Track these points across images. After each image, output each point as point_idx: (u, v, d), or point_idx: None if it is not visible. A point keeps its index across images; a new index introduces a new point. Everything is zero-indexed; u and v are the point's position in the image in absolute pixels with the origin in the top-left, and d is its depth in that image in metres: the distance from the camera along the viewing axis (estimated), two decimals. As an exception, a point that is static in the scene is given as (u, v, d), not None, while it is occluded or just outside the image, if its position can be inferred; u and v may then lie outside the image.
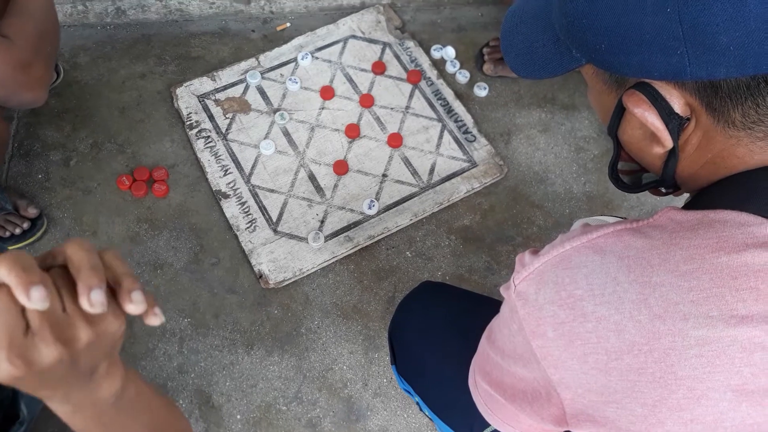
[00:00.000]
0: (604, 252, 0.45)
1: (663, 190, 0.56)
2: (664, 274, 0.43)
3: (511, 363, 0.52)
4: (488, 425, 0.64)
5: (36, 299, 0.36)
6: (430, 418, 0.81)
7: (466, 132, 1.30)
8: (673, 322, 0.42)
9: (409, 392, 0.83)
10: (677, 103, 0.45)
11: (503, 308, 0.54)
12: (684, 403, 0.42)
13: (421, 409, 0.83)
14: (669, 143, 0.47)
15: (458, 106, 1.33)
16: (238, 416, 1.06)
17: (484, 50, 1.37)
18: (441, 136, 1.29)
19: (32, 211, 1.16)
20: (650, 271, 0.43)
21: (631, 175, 0.60)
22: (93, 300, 0.38)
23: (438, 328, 0.78)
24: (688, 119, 0.46)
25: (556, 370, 0.46)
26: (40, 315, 0.39)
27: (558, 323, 0.46)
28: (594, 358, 0.44)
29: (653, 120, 0.46)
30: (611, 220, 0.72)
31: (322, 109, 1.31)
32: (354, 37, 1.40)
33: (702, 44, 0.41)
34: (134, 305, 0.41)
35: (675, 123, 0.46)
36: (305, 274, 1.16)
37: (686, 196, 0.56)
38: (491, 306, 0.68)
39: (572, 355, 0.45)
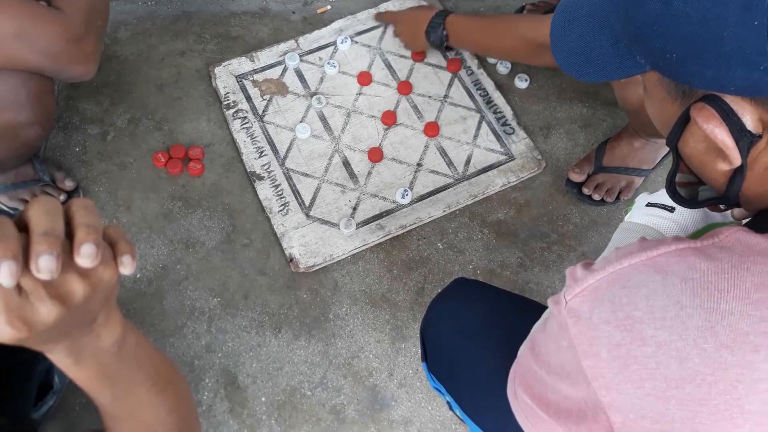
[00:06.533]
0: (665, 272, 0.43)
1: (722, 206, 0.53)
2: (733, 301, 0.40)
3: (557, 380, 0.50)
4: None
5: (4, 276, 0.36)
6: (462, 420, 0.79)
7: (504, 124, 1.28)
8: (742, 353, 0.40)
9: (439, 391, 0.82)
10: (750, 119, 0.42)
11: (550, 322, 0.51)
12: None
13: (451, 409, 0.82)
14: (737, 161, 0.45)
15: (498, 97, 1.30)
16: (263, 398, 1.07)
17: (527, 6, 1.38)
18: (479, 127, 1.27)
19: (69, 184, 1.17)
20: (718, 297, 0.41)
21: (687, 187, 0.57)
22: (40, 266, 0.38)
23: (474, 330, 0.76)
24: (760, 136, 0.43)
25: (607, 392, 0.44)
26: (31, 275, 0.38)
27: (614, 345, 0.43)
28: (651, 384, 0.42)
29: (723, 137, 0.43)
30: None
31: (359, 94, 1.30)
32: (395, 22, 1.38)
33: None
34: (81, 259, 0.39)
35: (746, 140, 0.43)
36: (335, 260, 1.15)
37: None
38: (530, 308, 0.66)
39: (627, 378, 0.43)
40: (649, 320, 0.42)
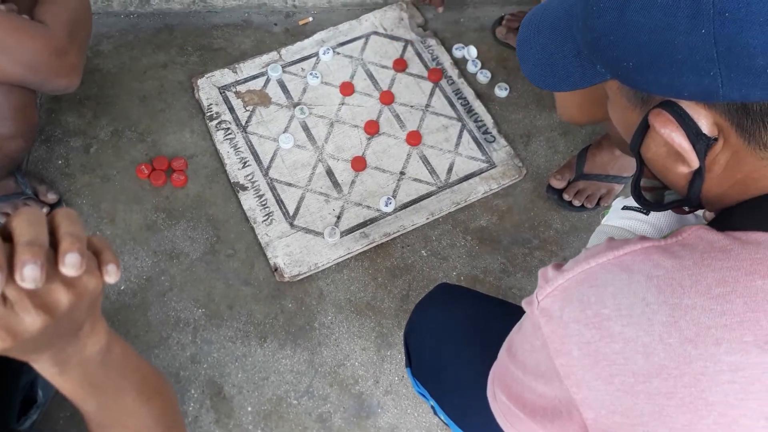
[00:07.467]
0: (631, 270, 0.45)
1: (686, 208, 0.55)
2: (696, 297, 0.42)
3: (532, 379, 0.51)
4: None
5: None
6: (446, 423, 0.80)
7: (485, 132, 1.29)
8: (705, 346, 0.41)
9: (423, 395, 0.83)
10: (705, 123, 0.44)
11: (525, 323, 0.52)
12: (715, 428, 0.42)
13: (435, 413, 0.83)
14: (695, 163, 0.46)
15: (478, 106, 1.32)
16: (249, 408, 1.06)
17: (506, 16, 1.40)
18: (460, 136, 1.29)
19: (51, 197, 1.17)
20: (681, 293, 0.42)
21: (652, 192, 0.59)
22: (25, 276, 0.38)
23: (457, 334, 0.77)
24: (716, 139, 0.45)
25: (579, 390, 0.46)
26: (16, 285, 0.39)
27: (583, 342, 0.45)
28: (620, 380, 0.43)
29: (680, 141, 0.45)
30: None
31: (342, 104, 1.31)
32: (376, 33, 1.39)
33: (737, 66, 0.40)
34: (66, 268, 0.39)
35: (702, 143, 0.45)
36: (320, 269, 1.16)
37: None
38: (511, 312, 0.67)
39: (597, 375, 0.44)
40: (616, 317, 0.44)
